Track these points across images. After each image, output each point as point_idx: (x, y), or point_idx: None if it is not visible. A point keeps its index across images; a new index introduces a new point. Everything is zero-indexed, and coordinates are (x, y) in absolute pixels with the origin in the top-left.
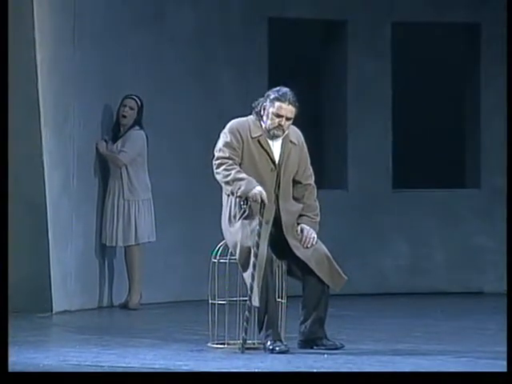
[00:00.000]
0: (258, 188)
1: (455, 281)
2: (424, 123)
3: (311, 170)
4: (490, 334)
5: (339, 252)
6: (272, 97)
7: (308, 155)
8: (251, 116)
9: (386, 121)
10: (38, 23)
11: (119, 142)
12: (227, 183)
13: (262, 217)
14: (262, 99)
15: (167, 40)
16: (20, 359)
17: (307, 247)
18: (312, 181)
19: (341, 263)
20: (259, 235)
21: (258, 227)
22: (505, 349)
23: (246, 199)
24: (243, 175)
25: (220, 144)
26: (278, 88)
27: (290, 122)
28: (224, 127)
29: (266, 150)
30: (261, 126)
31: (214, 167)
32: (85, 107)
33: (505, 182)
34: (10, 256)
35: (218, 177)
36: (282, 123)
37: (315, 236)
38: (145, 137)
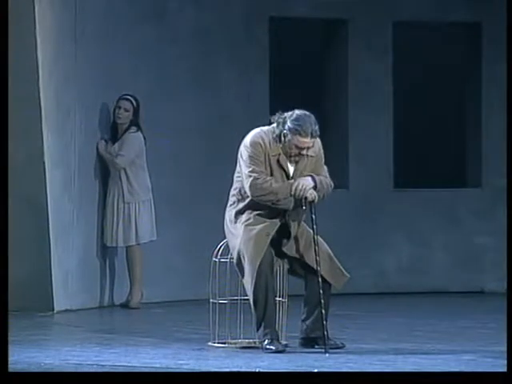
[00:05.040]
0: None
1: (456, 280)
2: (425, 122)
3: (326, 173)
4: (491, 333)
5: (340, 251)
6: (293, 128)
7: (323, 162)
8: (269, 128)
9: (387, 120)
10: (39, 22)
11: (117, 145)
12: (269, 194)
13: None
14: (282, 116)
15: (168, 39)
16: (21, 358)
17: (301, 205)
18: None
19: (342, 262)
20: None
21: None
22: (505, 348)
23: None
24: (277, 185)
25: (248, 161)
26: (298, 115)
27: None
28: (243, 139)
29: (283, 168)
30: (279, 142)
31: (249, 184)
32: (86, 106)
33: (505, 182)
34: (11, 255)
35: (260, 192)
36: (304, 153)
37: (313, 192)
38: (142, 138)
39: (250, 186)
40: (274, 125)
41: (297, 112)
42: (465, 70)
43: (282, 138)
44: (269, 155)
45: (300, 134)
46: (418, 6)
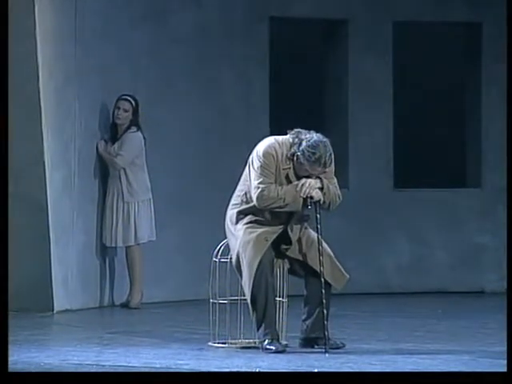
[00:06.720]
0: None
1: (456, 280)
2: (425, 122)
3: (336, 185)
4: (491, 333)
5: (341, 251)
6: (307, 155)
7: (333, 175)
8: (284, 140)
9: (387, 119)
10: (39, 22)
11: (117, 145)
12: (280, 200)
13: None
14: (300, 137)
15: (168, 39)
16: (21, 358)
17: (307, 202)
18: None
19: (342, 262)
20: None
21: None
22: (505, 348)
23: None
24: (283, 189)
25: (258, 171)
26: (315, 142)
27: None
28: (254, 146)
29: (291, 182)
30: (291, 159)
31: (257, 195)
32: (86, 107)
33: (505, 181)
34: (11, 255)
35: (267, 202)
36: (313, 177)
37: (318, 191)
38: (142, 138)
39: (257, 198)
40: (290, 139)
41: (314, 137)
42: (465, 69)
43: (294, 159)
44: (279, 168)
45: (312, 163)
46: (417, 6)
